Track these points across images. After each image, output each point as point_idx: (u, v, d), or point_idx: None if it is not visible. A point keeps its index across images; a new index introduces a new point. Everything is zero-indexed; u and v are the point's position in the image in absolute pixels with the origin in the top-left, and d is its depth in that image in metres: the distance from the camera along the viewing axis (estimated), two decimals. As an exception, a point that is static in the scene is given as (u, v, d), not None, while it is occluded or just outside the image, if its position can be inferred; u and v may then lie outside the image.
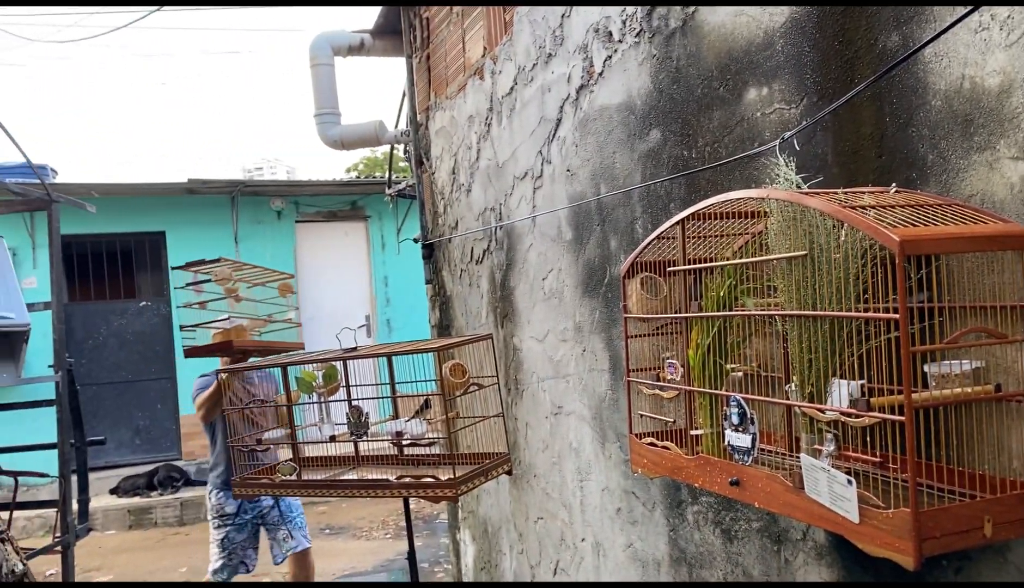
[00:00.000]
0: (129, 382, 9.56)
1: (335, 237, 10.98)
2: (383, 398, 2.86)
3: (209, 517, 4.45)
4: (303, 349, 3.75)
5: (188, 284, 3.87)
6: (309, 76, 5.26)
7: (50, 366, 4.03)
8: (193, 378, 4.55)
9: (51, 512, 7.20)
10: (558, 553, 3.30)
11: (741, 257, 1.75)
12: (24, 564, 2.88)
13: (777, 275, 1.52)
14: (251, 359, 3.98)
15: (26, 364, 4.29)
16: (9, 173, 7.73)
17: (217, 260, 3.89)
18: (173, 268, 4.00)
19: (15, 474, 3.89)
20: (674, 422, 1.93)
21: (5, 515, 3.39)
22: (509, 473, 2.67)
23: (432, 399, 2.57)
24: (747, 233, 1.95)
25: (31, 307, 4.23)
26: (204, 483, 8.68)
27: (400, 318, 10.85)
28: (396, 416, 2.85)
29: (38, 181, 4.26)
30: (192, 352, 3.93)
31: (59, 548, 3.91)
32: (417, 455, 2.77)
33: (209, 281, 3.87)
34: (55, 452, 3.99)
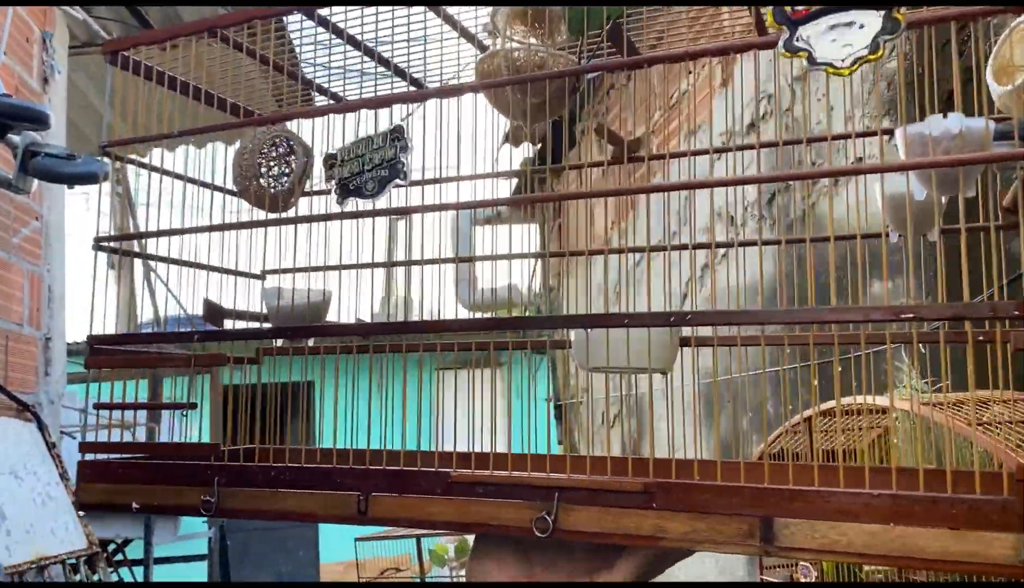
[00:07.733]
0: (272, 529, 9.87)
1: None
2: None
3: None
4: None
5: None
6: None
7: (205, 522, 4.28)
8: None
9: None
10: None
11: (871, 451, 1.75)
12: None
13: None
14: None
15: (183, 520, 4.57)
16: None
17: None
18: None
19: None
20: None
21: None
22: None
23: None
24: (878, 427, 1.93)
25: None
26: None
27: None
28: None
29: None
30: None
31: None
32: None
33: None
34: (203, 605, 4.18)
